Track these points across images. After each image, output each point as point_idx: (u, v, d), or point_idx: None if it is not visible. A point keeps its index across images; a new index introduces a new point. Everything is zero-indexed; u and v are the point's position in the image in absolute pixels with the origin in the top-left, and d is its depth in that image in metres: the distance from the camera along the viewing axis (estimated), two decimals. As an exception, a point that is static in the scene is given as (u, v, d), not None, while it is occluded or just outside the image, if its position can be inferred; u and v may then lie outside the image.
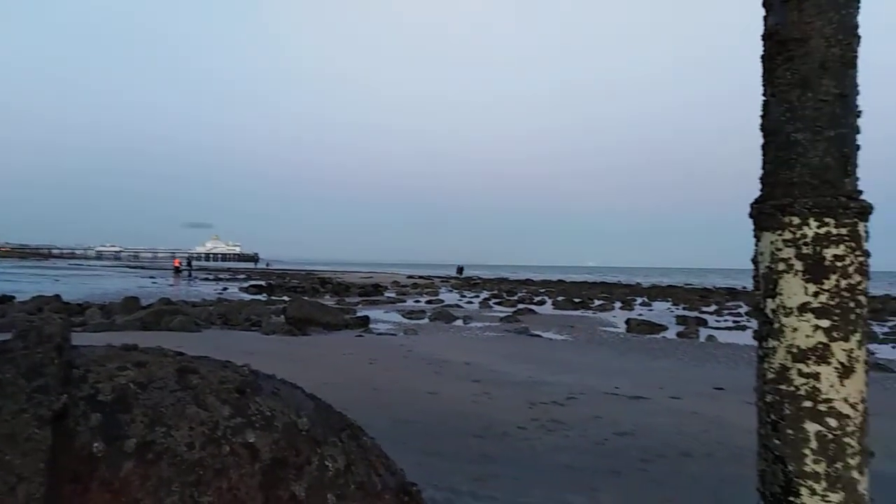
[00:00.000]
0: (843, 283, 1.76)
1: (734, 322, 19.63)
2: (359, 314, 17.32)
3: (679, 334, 15.54)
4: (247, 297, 26.92)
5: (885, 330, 17.79)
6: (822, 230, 1.76)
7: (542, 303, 27.48)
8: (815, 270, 1.77)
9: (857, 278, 1.78)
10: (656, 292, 38.58)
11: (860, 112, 1.78)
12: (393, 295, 30.44)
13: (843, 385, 1.75)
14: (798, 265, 1.79)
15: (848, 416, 1.74)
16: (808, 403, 1.76)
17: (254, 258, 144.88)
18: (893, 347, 14.20)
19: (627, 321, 17.66)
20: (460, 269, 58.96)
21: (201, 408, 1.52)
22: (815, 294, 1.77)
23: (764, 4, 1.86)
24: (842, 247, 1.76)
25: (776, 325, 1.84)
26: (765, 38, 1.85)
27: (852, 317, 1.77)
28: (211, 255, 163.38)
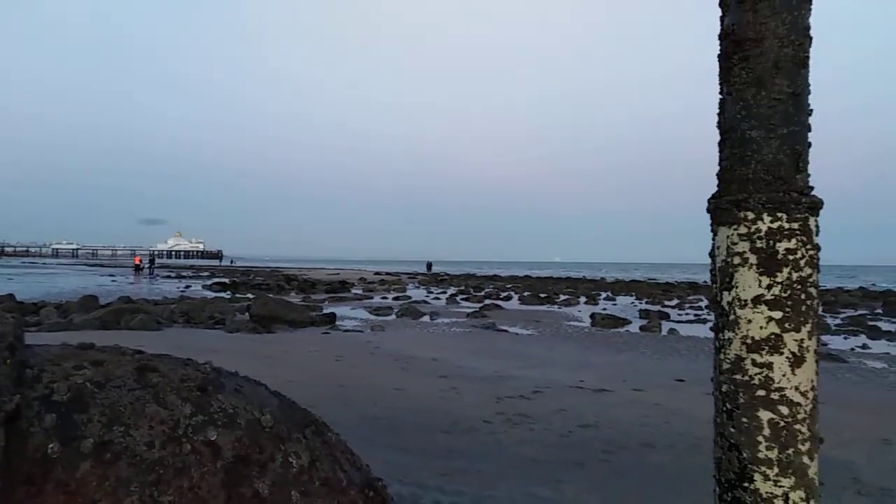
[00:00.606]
0: (795, 275, 1.82)
1: (695, 315, 20.06)
2: (325, 311, 17.20)
3: (642, 328, 15.82)
4: (210, 294, 26.49)
5: (838, 321, 18.36)
6: (775, 225, 1.81)
7: (508, 298, 27.65)
8: (769, 264, 1.83)
9: (809, 271, 1.84)
10: (620, 287, 39.17)
11: (811, 110, 1.84)
12: (360, 292, 30.29)
13: (794, 374, 1.81)
14: (752, 259, 1.85)
15: (799, 404, 1.80)
16: (761, 392, 1.82)
17: (217, 255, 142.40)
18: (845, 338, 14.65)
19: (592, 315, 17.90)
20: (430, 266, 59.09)
21: (161, 406, 1.51)
22: (769, 287, 1.83)
23: (720, 5, 1.91)
24: (793, 241, 1.82)
25: (732, 317, 1.90)
26: (721, 37, 1.90)
27: (803, 308, 1.83)
28: (173, 253, 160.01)
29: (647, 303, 26.20)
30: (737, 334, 1.88)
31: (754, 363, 1.84)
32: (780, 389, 1.81)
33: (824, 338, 14.42)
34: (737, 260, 1.88)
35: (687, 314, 20.73)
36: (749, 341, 1.85)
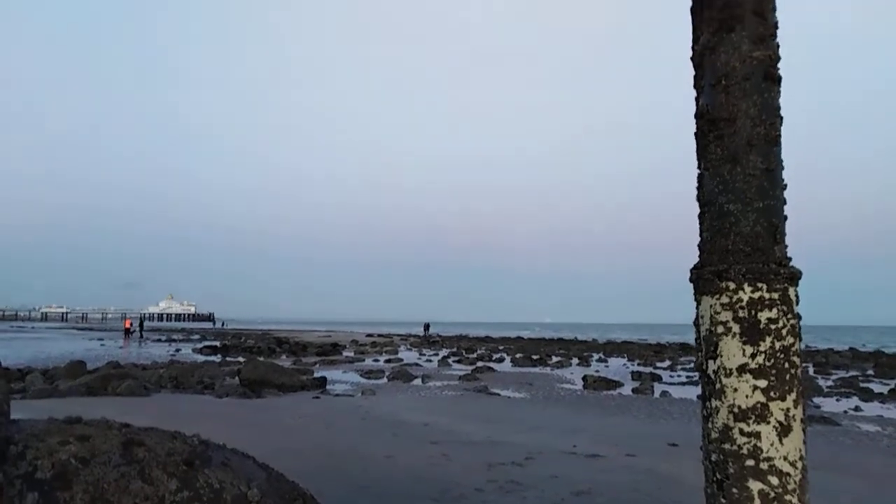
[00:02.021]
0: (778, 344, 1.86)
1: (687, 377, 19.91)
2: (316, 375, 16.98)
3: (634, 390, 15.67)
4: (200, 358, 26.17)
5: (829, 383, 18.26)
6: (756, 295, 1.87)
7: (500, 360, 27.44)
8: (752, 333, 1.87)
9: (791, 340, 1.88)
10: (612, 348, 38.97)
11: (786, 185, 1.93)
12: (351, 354, 29.96)
13: (782, 444, 1.82)
14: (735, 328, 1.89)
15: (788, 475, 1.80)
16: (750, 462, 1.82)
17: (210, 318, 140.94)
18: (838, 400, 14.53)
19: (584, 378, 17.75)
20: (427, 326, 58.39)
21: (146, 482, 1.49)
22: (753, 355, 1.86)
23: (695, 86, 2.02)
24: (774, 310, 1.86)
25: (718, 386, 1.92)
26: (697, 116, 2.00)
27: (788, 377, 1.86)
28: (165, 315, 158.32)
29: (638, 364, 26.04)
30: (723, 403, 1.91)
31: (742, 432, 1.86)
32: (769, 459, 1.82)
33: (817, 400, 14.31)
34: (720, 329, 1.92)
35: (679, 376, 20.59)
36: (736, 410, 1.87)
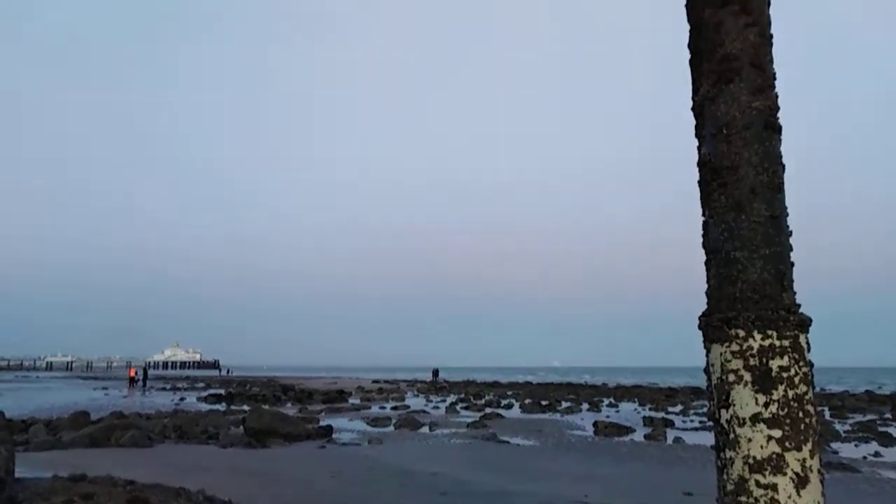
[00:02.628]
0: (791, 393, 1.83)
1: (700, 423, 19.54)
2: (322, 423, 16.76)
3: (647, 436, 15.37)
4: (205, 407, 25.91)
5: (847, 427, 17.88)
6: (767, 342, 1.85)
7: (509, 406, 27.07)
8: (763, 381, 1.85)
9: (804, 388, 1.85)
10: (622, 392, 38.43)
11: (791, 232, 1.93)
12: (357, 401, 29.62)
13: (799, 496, 1.77)
14: (747, 376, 1.87)
15: (808, 529, 1.75)
16: (768, 516, 1.77)
17: (215, 365, 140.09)
18: (856, 446, 14.19)
19: (595, 424, 17.46)
20: (436, 372, 57.88)
21: (151, 543, 1.47)
22: (766, 405, 1.83)
23: (697, 136, 2.05)
24: (786, 358, 1.84)
25: (731, 436, 1.89)
26: (699, 165, 2.02)
27: (802, 427, 1.82)
28: (170, 363, 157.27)
29: (650, 409, 25.63)
30: (738, 453, 1.87)
31: (758, 484, 1.82)
32: (787, 512, 1.77)
33: (835, 445, 13.99)
34: (731, 377, 1.89)
35: (692, 421, 20.22)
36: (751, 461, 1.83)
